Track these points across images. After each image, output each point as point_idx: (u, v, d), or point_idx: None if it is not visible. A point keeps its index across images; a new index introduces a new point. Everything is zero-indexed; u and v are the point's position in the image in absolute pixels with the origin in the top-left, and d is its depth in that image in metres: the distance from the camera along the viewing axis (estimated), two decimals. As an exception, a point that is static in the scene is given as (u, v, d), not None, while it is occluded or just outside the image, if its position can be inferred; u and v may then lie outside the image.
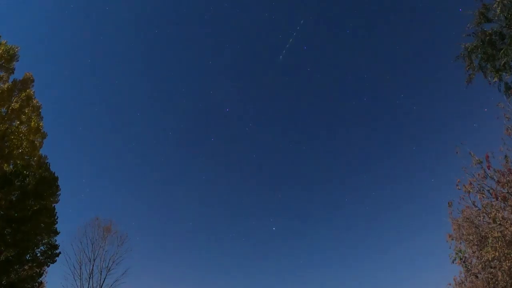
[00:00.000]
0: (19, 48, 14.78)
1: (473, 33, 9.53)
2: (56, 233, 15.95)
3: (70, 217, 39.20)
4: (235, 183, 53.41)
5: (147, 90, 50.28)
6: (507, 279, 11.41)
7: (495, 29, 9.19)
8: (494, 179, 9.95)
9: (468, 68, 9.71)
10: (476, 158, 10.00)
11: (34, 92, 15.43)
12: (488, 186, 9.95)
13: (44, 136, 15.58)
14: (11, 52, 14.50)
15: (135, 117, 51.22)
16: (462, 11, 10.09)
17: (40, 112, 15.58)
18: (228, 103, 52.77)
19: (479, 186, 10.11)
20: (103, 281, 23.26)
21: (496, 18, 9.08)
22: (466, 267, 13.56)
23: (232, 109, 51.76)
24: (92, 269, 23.28)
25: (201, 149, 54.13)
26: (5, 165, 14.35)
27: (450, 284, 15.27)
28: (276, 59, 47.65)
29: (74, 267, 22.84)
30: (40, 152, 15.74)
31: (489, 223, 10.42)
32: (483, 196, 10.04)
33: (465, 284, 14.66)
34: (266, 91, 52.77)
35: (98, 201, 47.13)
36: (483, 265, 12.29)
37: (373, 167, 52.70)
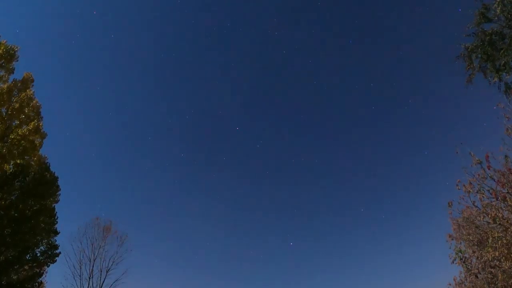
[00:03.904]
0: (19, 48, 14.81)
1: (473, 33, 9.54)
2: (56, 233, 15.91)
3: (70, 217, 39.24)
4: (249, 200, 53.38)
5: (153, 103, 50.46)
6: (507, 279, 11.40)
7: (495, 29, 9.19)
8: (494, 179, 9.94)
9: (468, 68, 9.71)
10: (476, 158, 9.98)
11: (34, 92, 15.46)
12: (488, 186, 9.93)
13: (44, 136, 15.57)
14: (11, 52, 14.51)
15: (147, 141, 51.52)
16: (462, 11, 10.10)
17: (40, 112, 15.59)
18: (237, 122, 52.99)
19: (479, 186, 10.09)
20: (103, 281, 23.28)
21: (496, 18, 9.08)
22: (466, 267, 13.56)
23: (241, 128, 51.91)
24: (92, 269, 23.30)
25: (213, 168, 53.96)
26: (5, 165, 14.33)
27: (450, 284, 15.26)
28: (282, 75, 48.03)
29: (74, 267, 22.87)
30: (40, 152, 15.75)
31: (489, 223, 10.41)
32: (483, 196, 10.02)
33: (465, 284, 14.65)
34: (274, 107, 53.21)
35: (98, 201, 47.21)
36: (483, 265, 12.28)
37: (386, 174, 52.96)
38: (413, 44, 47.84)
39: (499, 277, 11.53)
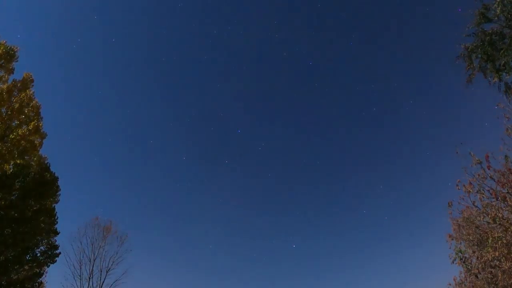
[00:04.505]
0: (19, 48, 14.80)
1: (473, 33, 9.53)
2: (56, 233, 15.91)
3: (70, 217, 39.21)
4: (251, 202, 53.19)
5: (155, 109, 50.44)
6: (507, 279, 11.40)
7: (495, 29, 9.18)
8: (494, 179, 9.94)
9: (468, 68, 9.70)
10: (476, 158, 9.98)
11: (34, 92, 15.45)
12: (488, 186, 9.94)
13: (44, 136, 15.56)
14: (11, 52, 14.50)
15: (148, 143, 51.46)
16: (462, 11, 10.09)
17: (40, 112, 15.56)
18: (238, 125, 53.00)
19: (479, 186, 10.09)
20: (103, 281, 23.28)
21: (496, 18, 9.07)
22: (466, 267, 13.56)
23: (243, 130, 51.97)
24: (92, 269, 23.28)
25: (215, 170, 53.84)
26: (5, 165, 14.33)
27: (450, 284, 15.28)
28: (283, 77, 48.07)
29: (74, 267, 22.83)
30: (40, 152, 15.74)
31: (489, 223, 10.41)
32: (483, 196, 10.03)
33: (465, 284, 14.66)
34: (275, 109, 53.26)
35: (98, 201, 47.24)
36: (483, 265, 12.28)
37: (387, 174, 52.91)
38: (414, 45, 47.90)
39: (499, 277, 11.54)
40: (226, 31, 45.18)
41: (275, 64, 50.88)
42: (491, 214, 9.94)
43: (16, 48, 14.68)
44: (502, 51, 8.94)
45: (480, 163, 9.93)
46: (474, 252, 12.74)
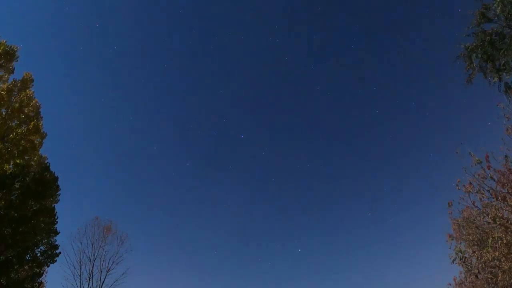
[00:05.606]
0: (19, 48, 14.80)
1: (473, 33, 9.53)
2: (56, 233, 15.89)
3: (70, 217, 39.18)
4: (255, 207, 53.07)
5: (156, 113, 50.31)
6: (507, 279, 11.40)
7: (495, 29, 9.18)
8: (494, 179, 9.93)
9: (468, 68, 9.70)
10: (476, 158, 9.97)
11: (33, 92, 15.45)
12: (488, 186, 9.93)
13: (43, 136, 15.56)
14: (11, 52, 14.50)
15: (149, 144, 51.35)
16: (462, 11, 10.10)
17: (40, 112, 15.58)
18: (241, 130, 53.00)
19: (479, 186, 10.08)
20: (103, 281, 23.25)
21: (496, 18, 9.08)
22: (466, 267, 13.56)
23: (246, 135, 51.96)
24: (92, 269, 23.21)
25: (219, 175, 53.64)
26: (5, 165, 14.32)
27: (450, 284, 15.30)
28: (285, 81, 48.14)
29: (74, 267, 22.75)
30: (40, 152, 15.74)
31: (489, 223, 10.41)
32: (483, 196, 10.02)
33: (465, 284, 14.66)
34: (278, 114, 53.34)
35: (98, 201, 47.22)
36: (483, 265, 12.28)
37: (389, 175, 52.91)
38: (414, 45, 47.99)
39: (499, 277, 11.54)
40: (228, 36, 45.47)
41: (277, 69, 51.07)
42: (491, 214, 9.93)
43: (16, 47, 14.69)
44: (502, 51, 8.94)
45: (480, 163, 9.92)
46: (474, 252, 12.73)
